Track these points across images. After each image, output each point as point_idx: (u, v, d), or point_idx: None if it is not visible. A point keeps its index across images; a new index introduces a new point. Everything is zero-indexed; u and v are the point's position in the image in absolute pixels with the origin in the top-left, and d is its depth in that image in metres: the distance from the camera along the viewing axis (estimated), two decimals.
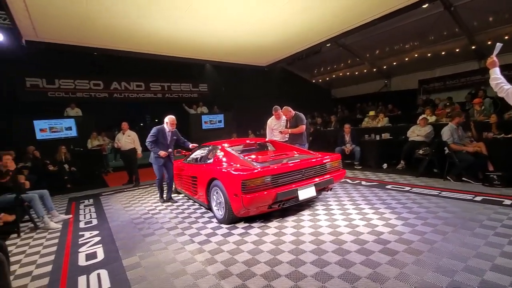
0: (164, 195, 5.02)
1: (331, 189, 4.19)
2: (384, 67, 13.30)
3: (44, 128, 8.27)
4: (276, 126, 5.65)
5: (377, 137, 7.23)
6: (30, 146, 6.97)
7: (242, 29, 6.41)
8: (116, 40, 6.62)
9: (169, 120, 4.78)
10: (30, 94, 9.16)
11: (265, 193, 3.17)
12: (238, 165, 3.59)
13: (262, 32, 6.68)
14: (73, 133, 8.71)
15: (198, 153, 4.97)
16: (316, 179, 3.64)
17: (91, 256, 2.95)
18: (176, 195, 5.39)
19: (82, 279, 2.48)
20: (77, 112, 9.13)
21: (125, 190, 6.39)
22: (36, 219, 4.05)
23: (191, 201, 4.94)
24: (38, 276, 2.63)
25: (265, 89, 12.41)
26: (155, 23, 5.81)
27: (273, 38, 7.13)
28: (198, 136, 9.55)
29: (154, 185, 6.44)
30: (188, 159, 5.06)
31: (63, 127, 8.57)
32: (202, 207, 4.46)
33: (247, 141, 5.29)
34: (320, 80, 16.24)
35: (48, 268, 2.77)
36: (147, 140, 4.70)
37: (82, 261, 2.85)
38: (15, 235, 3.75)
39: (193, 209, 4.46)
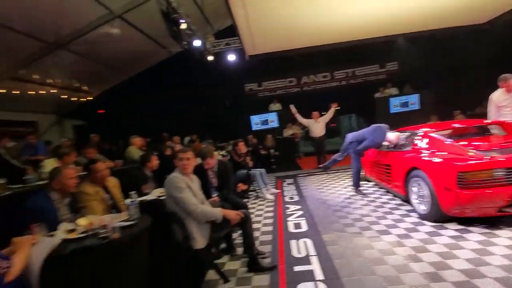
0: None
1: None
2: None
3: (257, 121, 10.73)
4: (507, 102, 4.14)
5: None
6: (249, 135, 9.28)
7: None
8: (306, 38, 7.34)
9: (395, 138, 4.24)
10: (247, 96, 12.15)
11: (494, 191, 2.44)
12: (447, 154, 2.98)
13: None
14: (275, 124, 10.68)
15: None
16: None
17: (297, 225, 3.56)
18: (365, 182, 5.31)
19: (293, 243, 3.04)
20: (278, 106, 11.05)
21: (316, 173, 7.07)
22: (257, 190, 5.39)
23: (381, 190, 4.69)
24: (265, 232, 3.51)
25: (480, 55, 9.26)
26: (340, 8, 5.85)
27: None
28: (385, 122, 8.77)
29: (341, 171, 6.68)
30: None
31: (268, 120, 10.71)
32: (396, 198, 4.13)
33: (455, 125, 4.25)
34: None
35: (270, 228, 3.63)
36: (369, 144, 4.44)
37: (291, 228, 3.50)
38: (247, 199, 5.19)
39: (386, 199, 4.22)
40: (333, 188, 5.29)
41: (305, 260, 2.64)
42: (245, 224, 2.51)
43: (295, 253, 2.81)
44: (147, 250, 2.00)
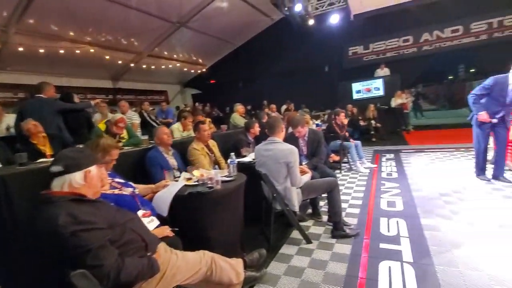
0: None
1: None
2: None
3: (359, 89, 9.89)
4: None
5: None
6: (348, 105, 8.72)
7: None
8: None
9: None
10: (350, 61, 11.19)
11: None
12: None
13: None
14: (380, 92, 9.58)
15: None
16: None
17: (391, 204, 3.33)
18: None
19: (383, 221, 2.91)
20: (385, 72, 9.77)
21: (426, 150, 6.14)
22: (351, 163, 5.20)
23: None
24: (352, 205, 3.45)
25: None
26: None
27: None
28: None
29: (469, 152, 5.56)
30: None
31: (372, 88, 9.69)
32: None
33: None
34: None
35: (359, 201, 3.54)
36: (471, 93, 3.61)
37: (383, 205, 3.31)
38: (338, 171, 5.11)
39: None
40: (448, 172, 4.49)
41: (394, 239, 2.51)
42: (332, 191, 2.57)
43: (383, 230, 2.71)
44: (242, 201, 2.39)
